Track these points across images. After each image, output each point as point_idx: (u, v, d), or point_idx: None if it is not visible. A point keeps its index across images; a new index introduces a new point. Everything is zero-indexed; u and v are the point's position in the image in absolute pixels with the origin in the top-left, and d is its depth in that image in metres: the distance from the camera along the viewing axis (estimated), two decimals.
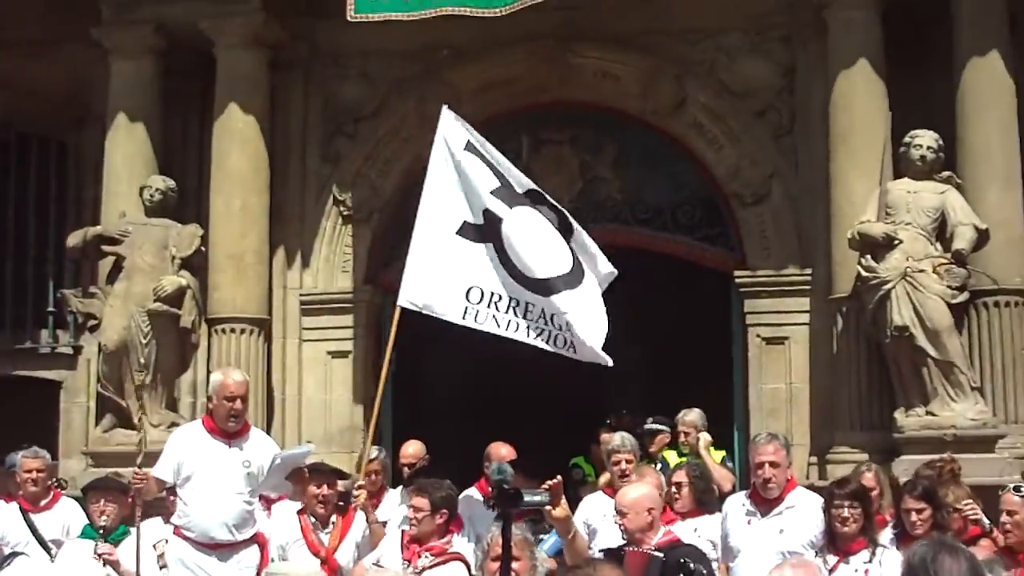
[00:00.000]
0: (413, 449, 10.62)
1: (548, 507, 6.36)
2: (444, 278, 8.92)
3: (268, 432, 11.75)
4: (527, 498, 6.35)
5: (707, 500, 9.30)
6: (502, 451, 9.98)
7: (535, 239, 9.03)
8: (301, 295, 13.75)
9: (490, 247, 8.97)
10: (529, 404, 15.08)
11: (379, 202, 13.80)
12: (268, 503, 9.37)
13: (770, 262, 12.99)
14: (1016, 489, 7.82)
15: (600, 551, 7.85)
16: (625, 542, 7.40)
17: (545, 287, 8.93)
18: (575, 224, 9.22)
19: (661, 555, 6.39)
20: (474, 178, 9.01)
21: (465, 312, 8.89)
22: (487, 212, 8.99)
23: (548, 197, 9.29)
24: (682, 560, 6.91)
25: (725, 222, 13.42)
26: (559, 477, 6.51)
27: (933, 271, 11.27)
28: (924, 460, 9.75)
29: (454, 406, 15.68)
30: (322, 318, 13.70)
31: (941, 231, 11.48)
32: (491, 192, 9.01)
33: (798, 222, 12.94)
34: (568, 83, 13.60)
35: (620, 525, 7.45)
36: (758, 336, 12.94)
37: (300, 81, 14.00)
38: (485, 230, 8.99)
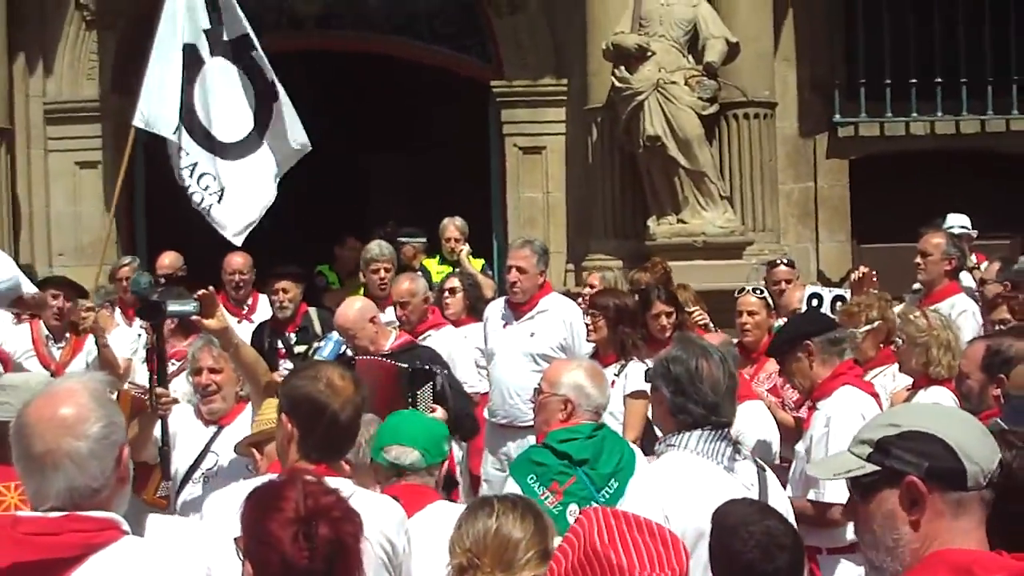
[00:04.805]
0: (169, 260, 10.41)
1: (200, 317, 5.89)
2: (165, 94, 9.14)
3: (16, 247, 11.37)
4: (172, 308, 6.12)
5: (478, 308, 9.40)
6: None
7: (223, 97, 9.22)
8: (45, 103, 13.17)
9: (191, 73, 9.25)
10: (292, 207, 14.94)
11: (123, 7, 13.19)
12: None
13: (527, 72, 13.01)
14: (754, 291, 8.17)
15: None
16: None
17: (212, 145, 9.18)
18: (280, 90, 9.33)
19: (405, 366, 6.39)
20: (199, 8, 9.19)
21: (176, 128, 9.10)
22: (194, 48, 9.21)
23: (258, 52, 9.33)
24: (427, 368, 6.93)
25: (482, 32, 13.34)
26: (211, 287, 6.18)
27: (685, 83, 11.46)
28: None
29: None
30: (68, 127, 13.15)
31: (693, 44, 11.64)
32: (203, 30, 9.17)
33: (554, 33, 12.95)
34: None
35: (350, 346, 7.35)
36: (515, 146, 13.04)
37: None
38: (195, 58, 9.25)
